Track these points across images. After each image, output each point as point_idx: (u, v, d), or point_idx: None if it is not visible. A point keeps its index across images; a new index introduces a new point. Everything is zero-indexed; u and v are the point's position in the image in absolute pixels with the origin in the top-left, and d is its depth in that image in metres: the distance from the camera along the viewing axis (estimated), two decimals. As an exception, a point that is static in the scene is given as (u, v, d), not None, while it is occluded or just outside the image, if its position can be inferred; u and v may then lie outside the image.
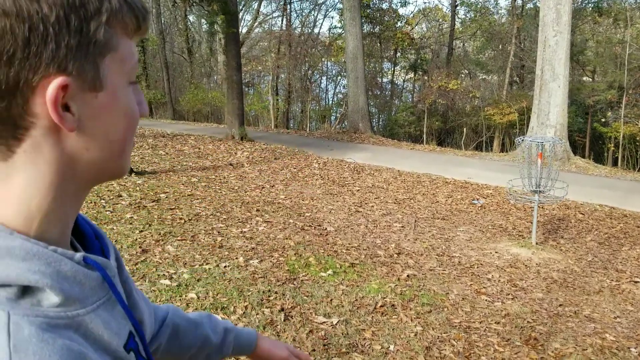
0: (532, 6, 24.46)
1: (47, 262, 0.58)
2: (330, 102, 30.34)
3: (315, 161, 12.06)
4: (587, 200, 9.22)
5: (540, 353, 3.82)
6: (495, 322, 4.30)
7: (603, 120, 19.71)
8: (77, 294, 0.60)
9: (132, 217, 6.28)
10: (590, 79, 21.38)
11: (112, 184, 8.00)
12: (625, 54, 17.86)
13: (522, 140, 6.49)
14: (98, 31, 0.57)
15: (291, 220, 6.80)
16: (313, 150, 13.52)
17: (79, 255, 0.61)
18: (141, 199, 7.21)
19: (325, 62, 29.53)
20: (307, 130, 23.11)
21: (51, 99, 0.55)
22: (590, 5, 21.43)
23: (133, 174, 8.84)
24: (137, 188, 7.84)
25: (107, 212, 6.39)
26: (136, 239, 5.42)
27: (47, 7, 0.53)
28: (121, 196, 7.26)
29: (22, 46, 0.52)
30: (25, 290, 0.56)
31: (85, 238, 0.74)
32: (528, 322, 4.37)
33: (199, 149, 12.68)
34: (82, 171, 0.62)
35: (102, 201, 6.90)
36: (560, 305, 4.83)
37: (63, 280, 0.58)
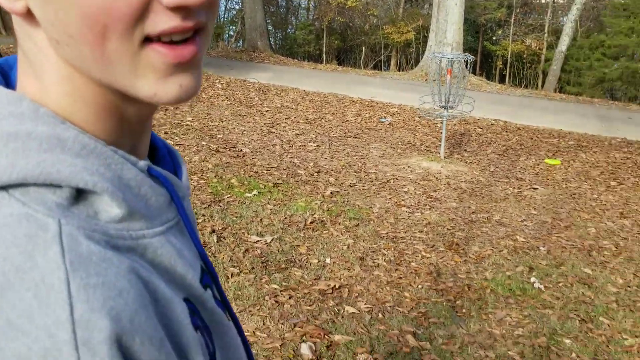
0: None
1: (107, 164, 0.45)
2: (223, 19, 29.10)
3: (217, 81, 11.63)
4: (484, 115, 9.74)
5: (463, 256, 4.10)
6: (418, 231, 4.52)
7: (494, 38, 20.63)
8: (142, 210, 0.46)
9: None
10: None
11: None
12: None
13: (434, 56, 6.63)
14: None
15: (204, 143, 6.58)
16: (212, 70, 12.99)
17: (143, 163, 0.48)
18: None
19: (217, -23, 27.97)
20: (202, 49, 22.07)
21: None
22: None
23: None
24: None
25: None
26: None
27: None
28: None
29: None
30: (79, 196, 0.43)
31: (156, 152, 0.60)
32: (447, 229, 4.64)
33: None
34: (82, 71, 0.45)
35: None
36: (472, 212, 5.16)
37: (126, 188, 0.45)
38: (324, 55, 20.33)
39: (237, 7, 27.65)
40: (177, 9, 0.41)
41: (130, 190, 0.46)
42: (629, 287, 3.78)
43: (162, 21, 0.41)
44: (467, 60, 6.66)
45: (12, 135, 0.42)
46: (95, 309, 0.37)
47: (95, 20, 0.40)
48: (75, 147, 0.43)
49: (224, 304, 0.58)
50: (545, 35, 18.20)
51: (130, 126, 0.49)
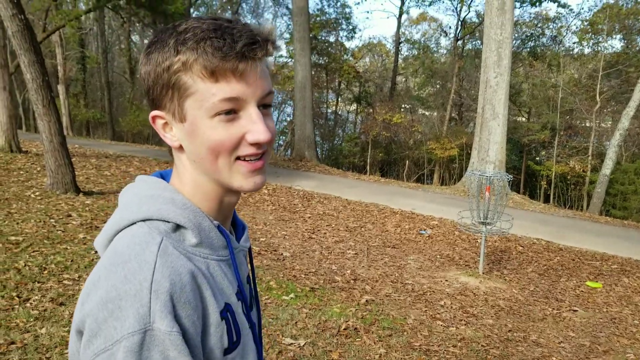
0: (471, 47, 25.79)
1: (195, 214, 0.87)
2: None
3: (264, 188, 12.11)
4: (525, 234, 9.74)
5: (496, 375, 4.10)
6: (452, 346, 4.50)
7: (537, 158, 20.86)
8: (208, 244, 0.88)
9: (85, 237, 6.15)
10: (526, 120, 22.64)
11: (60, 204, 7.78)
12: (558, 97, 19.10)
13: (473, 174, 6.85)
14: (177, 80, 0.82)
15: (247, 245, 6.80)
16: (261, 176, 13.52)
17: (216, 222, 0.91)
18: (92, 219, 7.05)
19: (271, 90, 29.74)
20: (252, 156, 23.07)
21: (152, 123, 0.90)
22: (526, 49, 22.82)
23: (81, 194, 8.61)
24: (87, 208, 7.65)
25: (59, 232, 6.22)
26: (93, 259, 5.31)
27: (146, 72, 0.85)
28: (71, 216, 7.08)
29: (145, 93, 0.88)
30: (176, 229, 0.85)
31: (237, 228, 1.05)
32: (482, 345, 4.60)
33: (145, 170, 12.48)
34: (204, 176, 0.89)
35: (52, 220, 6.71)
36: (509, 330, 5.09)
37: (202, 230, 0.87)
38: (367, 167, 20.91)
39: (288, 119, 29.11)
40: (254, 144, 0.84)
41: (204, 232, 0.88)
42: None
43: (246, 150, 0.85)
44: (508, 180, 6.84)
45: (151, 196, 0.88)
46: (165, 276, 0.76)
47: (213, 149, 0.83)
48: (179, 204, 0.87)
49: (248, 317, 0.95)
50: (590, 158, 18.33)
51: (222, 207, 0.93)
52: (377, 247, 7.86)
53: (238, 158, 0.84)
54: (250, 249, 1.06)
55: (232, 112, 0.82)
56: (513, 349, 4.63)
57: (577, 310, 5.96)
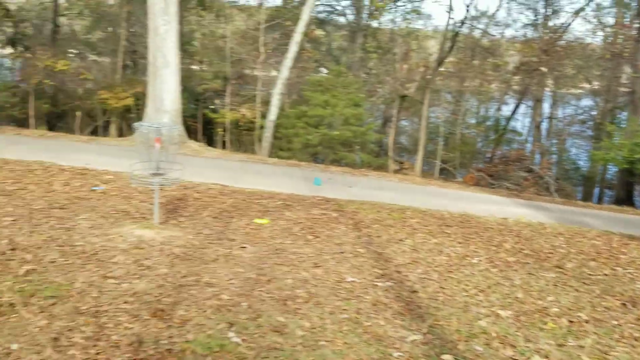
0: (141, -8, 24.66)
1: None
2: None
3: None
4: (202, 180, 10.10)
5: (167, 322, 4.12)
6: (124, 302, 4.40)
7: (212, 107, 21.63)
8: None
9: None
10: (199, 68, 23.08)
11: None
12: (227, 47, 19.94)
13: (140, 126, 6.69)
14: None
15: None
16: None
17: None
18: None
19: None
20: None
21: None
22: (194, -2, 22.91)
23: None
24: None
25: None
26: None
27: None
28: None
29: None
30: None
31: None
32: (154, 296, 4.62)
33: None
34: None
35: None
36: (183, 276, 5.24)
37: None
38: (31, 120, 18.70)
39: None
40: None
41: None
42: (314, 329, 4.26)
43: None
44: (177, 130, 6.84)
45: None
46: None
47: None
48: None
49: None
50: (258, 105, 19.83)
51: None
52: (42, 210, 7.13)
53: None
54: None
55: None
56: (185, 293, 4.78)
57: (246, 247, 6.46)
